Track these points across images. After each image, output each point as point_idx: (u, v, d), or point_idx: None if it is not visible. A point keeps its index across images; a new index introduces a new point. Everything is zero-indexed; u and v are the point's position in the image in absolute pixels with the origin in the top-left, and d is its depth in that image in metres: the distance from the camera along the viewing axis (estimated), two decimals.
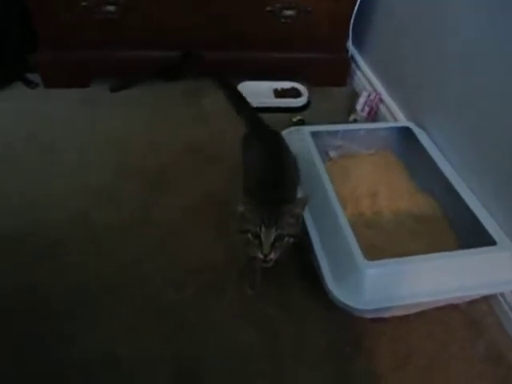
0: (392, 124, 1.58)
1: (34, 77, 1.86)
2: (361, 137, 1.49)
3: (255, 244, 0.91)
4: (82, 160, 1.54)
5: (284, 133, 1.43)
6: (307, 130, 1.38)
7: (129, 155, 1.58)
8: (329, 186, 1.20)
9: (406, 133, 1.46)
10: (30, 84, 1.86)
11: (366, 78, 1.92)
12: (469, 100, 1.27)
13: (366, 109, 1.78)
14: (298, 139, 1.39)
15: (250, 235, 0.91)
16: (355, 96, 1.90)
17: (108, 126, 1.70)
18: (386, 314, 1.10)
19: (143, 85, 1.92)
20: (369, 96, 1.79)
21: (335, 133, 1.44)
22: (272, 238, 0.89)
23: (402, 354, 1.08)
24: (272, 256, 0.91)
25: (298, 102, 1.85)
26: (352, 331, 1.11)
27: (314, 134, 1.37)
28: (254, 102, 1.79)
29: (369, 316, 1.10)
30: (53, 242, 1.26)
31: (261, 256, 0.91)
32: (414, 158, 1.46)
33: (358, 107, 1.80)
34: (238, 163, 1.53)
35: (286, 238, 0.92)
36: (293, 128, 1.45)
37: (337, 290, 1.00)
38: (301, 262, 1.23)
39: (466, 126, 1.29)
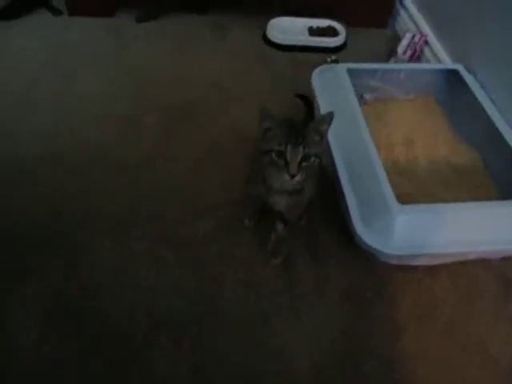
0: (438, 66, 1.45)
1: (58, 4, 1.79)
2: (401, 79, 1.37)
3: (280, 165, 0.84)
4: (103, 90, 1.49)
5: (317, 71, 1.33)
6: (343, 66, 1.28)
7: (152, 88, 1.52)
8: (364, 128, 1.12)
9: (452, 77, 1.33)
10: (54, 11, 1.79)
11: (411, 17, 1.75)
12: None
13: (409, 52, 1.63)
14: (333, 77, 1.29)
15: (273, 155, 0.84)
16: (397, 39, 1.74)
17: (132, 57, 1.63)
18: (413, 262, 1.06)
19: (170, 16, 1.82)
20: (413, 37, 1.63)
21: (373, 72, 1.33)
22: (299, 156, 0.82)
23: (425, 304, 1.04)
24: (298, 178, 0.84)
25: (334, 41, 1.72)
26: (375, 276, 1.07)
27: (351, 72, 1.27)
28: (286, 39, 1.69)
29: (394, 262, 1.05)
30: (70, 170, 1.25)
31: (287, 177, 0.83)
32: (459, 106, 1.34)
33: (400, 50, 1.65)
34: (264, 101, 1.51)
35: (313, 159, 0.85)
36: (326, 65, 1.35)
37: (364, 233, 0.95)
38: (327, 208, 1.19)
39: None
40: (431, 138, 1.33)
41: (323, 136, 0.88)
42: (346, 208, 1.00)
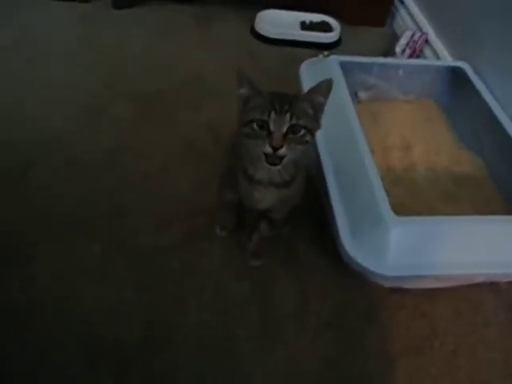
0: (441, 63, 1.31)
1: None
2: (399, 77, 1.23)
3: (261, 136, 0.68)
4: (69, 77, 1.35)
5: (306, 63, 1.19)
6: (336, 59, 1.14)
7: (124, 77, 1.37)
8: (357, 129, 0.98)
9: (456, 76, 1.20)
10: None
11: (411, 15, 1.63)
12: None
13: (408, 51, 1.50)
14: (323, 71, 1.14)
15: (254, 125, 0.69)
16: (395, 38, 1.62)
17: (105, 45, 1.48)
18: (410, 285, 0.91)
19: (151, 3, 1.67)
20: (412, 36, 1.51)
21: (369, 67, 1.19)
22: (285, 126, 0.68)
23: (423, 334, 0.89)
24: (283, 151, 0.68)
25: (328, 37, 1.59)
26: (366, 301, 0.92)
27: (344, 66, 1.13)
28: (276, 33, 1.55)
29: (388, 284, 0.90)
30: (24, 163, 1.09)
31: (269, 150, 0.68)
32: (462, 109, 1.21)
33: (398, 49, 1.52)
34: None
35: (303, 131, 0.70)
36: (317, 58, 1.20)
37: (354, 250, 0.80)
38: (312, 220, 1.03)
39: None
40: (431, 143, 1.19)
41: (318, 110, 0.73)
42: (333, 219, 0.85)
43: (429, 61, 1.41)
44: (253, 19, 1.61)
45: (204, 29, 1.61)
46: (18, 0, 1.62)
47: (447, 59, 1.36)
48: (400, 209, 0.87)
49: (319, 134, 1.02)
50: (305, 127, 0.70)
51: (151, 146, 1.18)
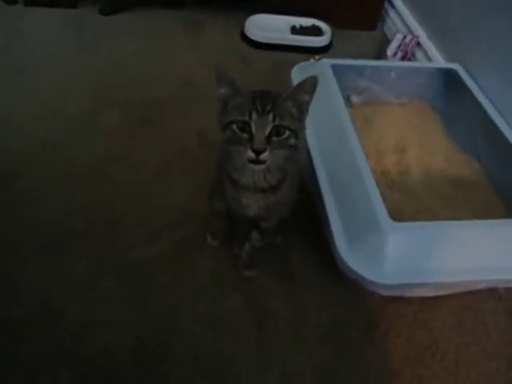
0: (434, 65, 1.30)
1: None
2: (392, 80, 1.21)
3: (243, 140, 0.64)
4: (57, 85, 1.30)
5: (297, 67, 1.17)
6: (327, 62, 1.11)
7: (113, 85, 1.33)
8: (351, 132, 0.95)
9: (449, 78, 1.19)
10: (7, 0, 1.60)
11: (402, 18, 1.62)
12: None
13: (399, 54, 1.49)
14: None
15: (234, 127, 0.64)
16: (386, 42, 1.61)
17: (93, 52, 1.45)
18: (408, 293, 0.87)
19: (139, 9, 1.65)
20: (404, 38, 1.49)
21: (361, 70, 1.17)
22: (267, 128, 0.63)
23: (424, 344, 0.86)
24: (266, 155, 0.63)
25: (319, 41, 1.57)
26: (363, 311, 0.88)
27: (336, 70, 1.10)
28: (266, 37, 1.53)
29: (386, 293, 0.87)
30: (10, 173, 1.05)
31: (251, 155, 0.63)
32: (457, 111, 1.19)
33: (390, 52, 1.51)
34: None
35: (287, 133, 0.65)
36: (308, 61, 1.18)
37: (349, 257, 0.76)
38: (306, 227, 1.00)
39: None
40: (425, 146, 1.17)
41: (303, 109, 0.68)
42: (328, 226, 0.82)
43: (421, 63, 1.40)
44: (242, 24, 1.59)
45: (193, 34, 1.59)
46: (3, 7, 1.58)
47: (439, 61, 1.34)
48: (396, 213, 0.84)
49: (311, 138, 1.00)
50: (289, 128, 0.65)
51: (142, 153, 1.15)
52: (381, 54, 1.57)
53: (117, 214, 0.99)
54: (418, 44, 1.48)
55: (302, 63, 1.18)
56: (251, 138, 0.63)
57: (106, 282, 0.88)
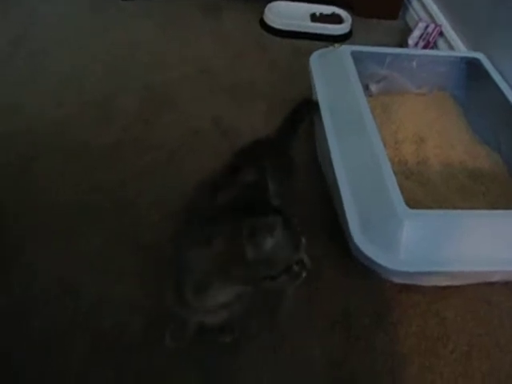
0: (457, 53, 1.27)
1: None
2: (413, 69, 1.19)
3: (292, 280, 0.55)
4: (77, 68, 1.32)
5: (316, 54, 1.15)
6: (347, 49, 1.10)
7: (132, 69, 1.35)
8: (369, 120, 0.94)
9: (472, 68, 1.16)
10: None
11: (424, 6, 1.58)
12: None
13: (421, 43, 1.46)
14: (334, 62, 1.11)
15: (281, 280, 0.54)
16: (407, 31, 1.57)
17: (113, 36, 1.46)
18: (422, 282, 0.87)
19: None
20: (426, 27, 1.46)
21: (382, 58, 1.15)
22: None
23: (436, 334, 0.85)
24: None
25: (339, 29, 1.55)
26: (375, 299, 0.88)
27: (355, 57, 1.09)
28: (286, 24, 1.52)
29: (399, 281, 0.86)
30: (28, 155, 1.07)
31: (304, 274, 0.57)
32: (479, 103, 1.16)
33: (411, 41, 1.48)
34: (255, 90, 1.29)
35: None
36: (327, 49, 1.17)
37: (364, 244, 0.76)
38: (319, 211, 1.00)
39: None
40: (445, 137, 1.15)
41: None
42: (343, 212, 0.82)
43: (444, 52, 1.36)
44: (262, 11, 1.58)
45: (212, 20, 1.58)
46: None
47: (462, 51, 1.31)
48: (412, 203, 0.83)
49: (329, 124, 0.99)
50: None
51: (157, 136, 1.16)
52: (402, 44, 1.54)
53: (132, 194, 1.01)
54: (441, 33, 1.45)
55: (321, 50, 1.16)
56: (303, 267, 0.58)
57: (119, 259, 0.89)
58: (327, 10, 1.61)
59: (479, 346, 0.84)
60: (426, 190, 1.03)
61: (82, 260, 0.88)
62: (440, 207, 0.95)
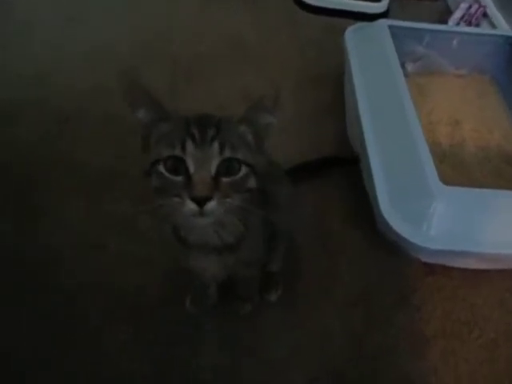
0: (503, 32, 1.20)
1: None
2: (453, 48, 1.13)
3: (176, 185, 0.44)
4: (106, 37, 1.33)
5: (351, 29, 1.11)
6: (384, 22, 1.06)
7: (165, 42, 1.34)
8: (406, 98, 0.90)
9: None
10: None
11: None
12: None
13: (463, 25, 1.39)
14: (370, 37, 1.07)
15: (162, 168, 0.45)
16: (447, 12, 1.51)
17: (147, 8, 1.46)
18: (452, 263, 0.83)
19: None
20: (469, 8, 1.39)
21: (421, 35, 1.10)
22: (213, 163, 0.44)
23: (461, 319, 0.82)
24: (213, 205, 0.43)
25: (375, 7, 1.49)
26: (399, 278, 0.85)
27: (393, 32, 1.04)
28: (320, 1, 1.48)
29: (426, 259, 0.83)
30: (60, 119, 1.09)
31: (190, 206, 0.43)
32: None
33: (452, 23, 1.42)
34: (286, 66, 1.26)
35: (244, 170, 0.45)
36: (363, 23, 1.12)
37: (393, 218, 0.73)
38: (346, 188, 0.98)
39: None
40: (482, 120, 1.10)
41: (262, 136, 0.49)
42: (372, 187, 0.79)
43: (489, 30, 1.29)
44: None
45: None
46: None
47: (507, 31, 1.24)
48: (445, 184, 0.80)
49: (362, 98, 0.95)
50: (245, 163, 0.45)
51: (187, 110, 1.15)
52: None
53: None
54: (485, 14, 1.38)
55: (357, 24, 1.12)
56: (188, 180, 0.43)
57: (142, 224, 0.90)
58: None
59: (507, 335, 0.81)
60: (460, 173, 0.99)
61: (106, 220, 0.89)
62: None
